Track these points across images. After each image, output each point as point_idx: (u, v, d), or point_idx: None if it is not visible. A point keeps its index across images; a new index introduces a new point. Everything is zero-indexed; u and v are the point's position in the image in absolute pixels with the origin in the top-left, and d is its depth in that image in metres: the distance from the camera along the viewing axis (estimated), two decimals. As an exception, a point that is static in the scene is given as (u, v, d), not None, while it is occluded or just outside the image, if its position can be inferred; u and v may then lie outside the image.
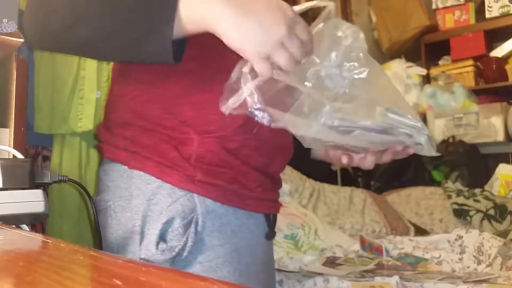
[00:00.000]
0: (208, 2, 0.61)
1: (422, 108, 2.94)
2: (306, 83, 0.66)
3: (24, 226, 0.70)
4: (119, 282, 0.28)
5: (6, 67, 0.91)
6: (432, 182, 2.58)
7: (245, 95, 0.62)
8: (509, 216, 1.99)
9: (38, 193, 0.65)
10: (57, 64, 1.67)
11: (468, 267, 1.52)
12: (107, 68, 1.60)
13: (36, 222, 1.05)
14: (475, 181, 2.51)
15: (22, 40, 0.85)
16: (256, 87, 0.62)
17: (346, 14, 3.18)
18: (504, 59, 2.98)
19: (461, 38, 3.05)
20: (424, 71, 3.07)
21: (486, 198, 2.13)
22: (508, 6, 2.89)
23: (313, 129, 0.66)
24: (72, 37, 0.64)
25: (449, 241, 1.68)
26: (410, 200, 2.26)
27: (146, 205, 0.73)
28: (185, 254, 0.72)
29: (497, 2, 2.92)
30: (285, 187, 2.00)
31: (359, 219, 2.03)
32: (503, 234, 1.70)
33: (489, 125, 2.76)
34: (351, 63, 0.67)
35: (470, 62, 3.01)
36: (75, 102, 1.68)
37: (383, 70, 0.76)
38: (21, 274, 0.33)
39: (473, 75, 3.00)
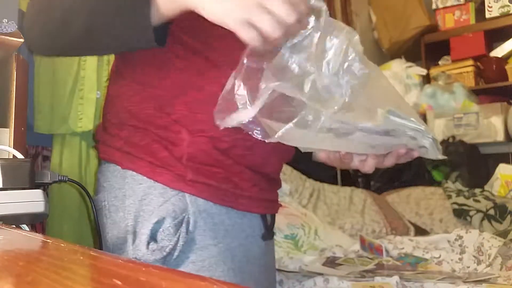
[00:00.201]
0: None
1: (422, 108, 2.94)
2: (303, 95, 0.64)
3: (24, 226, 0.70)
4: (119, 282, 0.28)
5: (6, 67, 0.91)
6: (432, 182, 2.58)
7: (247, 118, 0.61)
8: (509, 216, 1.99)
9: (38, 193, 0.65)
10: (57, 64, 1.67)
11: (468, 267, 1.52)
12: (107, 68, 1.60)
13: (36, 222, 1.05)
14: (475, 181, 2.51)
15: (22, 40, 0.85)
16: (256, 105, 0.60)
17: (346, 14, 3.18)
18: (504, 59, 2.98)
19: (461, 38, 3.05)
20: (424, 71, 3.07)
21: (486, 198, 2.13)
22: (508, 6, 2.89)
23: (309, 137, 0.64)
24: (67, 36, 0.68)
25: (449, 241, 1.68)
26: (410, 200, 2.26)
27: (138, 205, 0.74)
28: (176, 253, 0.72)
29: (497, 2, 2.92)
30: (285, 187, 2.00)
31: (359, 219, 2.03)
32: (503, 234, 1.70)
33: (489, 125, 2.76)
34: (347, 68, 0.65)
35: (470, 62, 3.01)
36: (75, 102, 1.68)
37: (381, 71, 0.74)
38: (21, 274, 0.33)
39: (473, 75, 3.00)
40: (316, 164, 0.90)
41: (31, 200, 0.64)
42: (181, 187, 0.74)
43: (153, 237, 0.72)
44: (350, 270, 1.41)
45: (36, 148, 1.79)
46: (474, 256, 1.55)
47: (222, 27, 0.60)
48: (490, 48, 3.05)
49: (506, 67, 2.91)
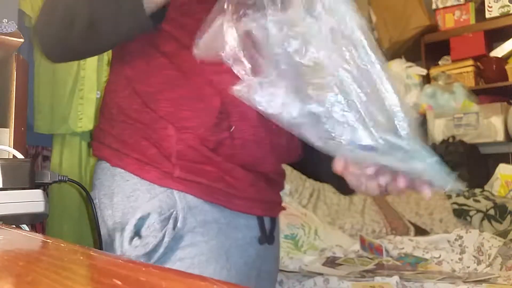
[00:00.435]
0: None
1: (422, 108, 2.94)
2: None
3: (24, 226, 0.70)
4: (119, 282, 0.28)
5: (6, 67, 0.91)
6: (432, 182, 2.58)
7: (219, 32, 0.56)
8: (509, 216, 1.99)
9: (38, 193, 0.65)
10: (57, 64, 1.67)
11: (468, 267, 1.52)
12: (107, 68, 1.60)
13: (36, 222, 1.05)
14: (475, 181, 2.51)
15: (22, 40, 0.85)
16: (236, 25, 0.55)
17: (346, 14, 3.17)
18: (504, 59, 2.98)
19: (461, 38, 3.05)
20: (424, 71, 3.07)
21: (486, 198, 2.13)
22: (508, 6, 2.88)
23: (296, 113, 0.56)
24: (74, 33, 0.69)
25: (449, 241, 1.68)
26: (410, 200, 2.26)
27: (126, 202, 0.73)
28: (161, 250, 0.70)
29: (497, 2, 2.92)
30: (285, 187, 2.00)
31: (359, 219, 2.03)
32: (503, 234, 1.70)
33: (489, 125, 2.76)
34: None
35: (470, 62, 3.01)
36: (75, 102, 1.68)
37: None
38: (21, 274, 0.33)
39: (473, 75, 2.99)
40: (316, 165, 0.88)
41: (31, 200, 0.64)
42: (169, 184, 0.73)
43: (138, 233, 0.71)
44: (350, 270, 1.41)
45: (36, 148, 1.79)
46: (474, 256, 1.55)
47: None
48: (490, 48, 3.05)
49: (506, 67, 2.91)
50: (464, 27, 3.07)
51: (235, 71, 0.58)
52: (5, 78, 0.91)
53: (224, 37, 0.58)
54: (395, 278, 1.31)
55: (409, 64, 3.08)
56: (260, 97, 0.57)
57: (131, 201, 0.73)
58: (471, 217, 2.06)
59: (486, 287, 1.25)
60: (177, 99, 0.73)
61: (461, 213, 2.10)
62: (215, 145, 0.73)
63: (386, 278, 1.32)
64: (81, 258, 0.39)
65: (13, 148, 0.81)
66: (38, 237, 0.50)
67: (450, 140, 2.76)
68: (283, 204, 0.90)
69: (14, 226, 0.64)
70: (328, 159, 0.65)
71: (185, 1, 0.73)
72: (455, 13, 3.12)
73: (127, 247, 0.70)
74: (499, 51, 3.02)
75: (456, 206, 2.13)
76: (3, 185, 0.64)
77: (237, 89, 0.58)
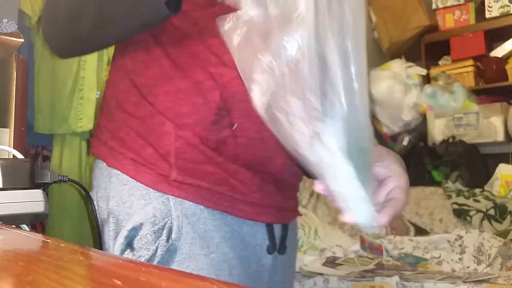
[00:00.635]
0: None
1: (422, 108, 2.94)
2: None
3: (24, 226, 0.70)
4: (119, 282, 0.28)
5: (6, 67, 0.91)
6: (432, 182, 2.58)
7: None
8: (509, 216, 1.99)
9: (38, 193, 0.65)
10: (57, 64, 1.68)
11: (468, 267, 1.52)
12: (107, 68, 1.60)
13: (36, 222, 1.05)
14: (475, 181, 2.51)
15: (22, 40, 0.85)
16: None
17: (346, 14, 3.17)
18: (504, 59, 2.98)
19: (461, 38, 3.05)
20: (424, 71, 3.07)
21: (486, 198, 2.13)
22: (508, 6, 2.88)
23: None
24: (80, 29, 0.66)
25: (449, 241, 1.68)
26: (410, 200, 2.26)
27: (121, 208, 0.68)
28: (155, 264, 0.64)
29: (497, 2, 2.92)
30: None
31: (359, 219, 2.03)
32: (503, 234, 1.70)
33: (489, 125, 2.76)
34: None
35: (470, 62, 3.01)
36: (75, 102, 1.68)
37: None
38: (21, 274, 0.33)
39: (473, 75, 3.00)
40: None
41: (31, 200, 0.64)
42: (164, 189, 0.66)
43: (130, 245, 0.65)
44: (350, 270, 1.41)
45: (36, 148, 1.79)
46: (474, 256, 1.55)
47: (214, 15, 0.52)
48: (490, 48, 3.05)
49: (506, 67, 2.91)
50: (464, 27, 3.07)
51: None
52: (5, 78, 0.91)
53: None
54: (395, 278, 1.31)
55: (409, 64, 3.08)
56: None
57: (126, 207, 0.68)
58: (471, 217, 2.06)
59: (486, 287, 1.25)
60: (175, 93, 0.67)
61: (461, 213, 2.10)
62: (216, 144, 0.67)
63: (386, 278, 1.32)
64: (81, 258, 0.39)
65: (13, 148, 0.81)
66: (38, 237, 0.50)
67: (450, 140, 2.76)
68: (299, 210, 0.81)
69: (14, 226, 0.64)
70: None
71: None
72: (455, 13, 3.12)
73: None
74: (499, 51, 3.02)
75: (456, 206, 2.13)
76: (3, 185, 0.64)
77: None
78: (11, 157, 0.78)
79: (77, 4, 0.65)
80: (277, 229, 0.75)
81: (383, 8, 3.26)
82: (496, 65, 2.93)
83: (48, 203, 0.66)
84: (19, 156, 0.74)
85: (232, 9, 0.50)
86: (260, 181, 0.70)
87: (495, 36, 3.02)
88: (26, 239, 0.51)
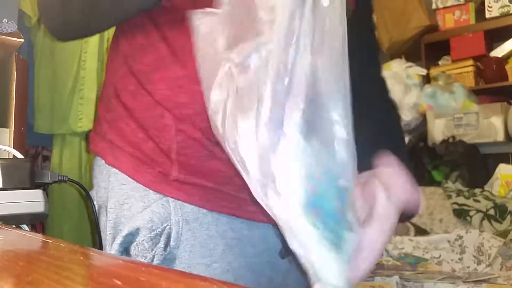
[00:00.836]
0: None
1: (422, 108, 2.94)
2: None
3: (24, 226, 0.70)
4: (119, 282, 0.28)
5: (6, 67, 0.91)
6: (432, 182, 2.58)
7: None
8: (509, 216, 1.99)
9: (38, 193, 0.65)
10: (57, 64, 1.67)
11: (468, 267, 1.52)
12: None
13: (36, 222, 1.05)
14: (475, 181, 2.51)
15: (22, 40, 0.85)
16: None
17: (346, 14, 3.18)
18: (504, 59, 2.98)
19: (461, 38, 3.05)
20: (424, 71, 3.07)
21: (486, 198, 2.13)
22: (508, 6, 2.88)
23: None
24: (72, 10, 0.63)
25: (449, 241, 1.68)
26: (410, 200, 2.26)
27: (119, 210, 0.64)
28: None
29: (497, 2, 2.92)
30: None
31: (359, 219, 2.03)
32: (503, 234, 1.70)
33: (489, 125, 2.76)
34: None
35: (470, 62, 3.01)
36: (75, 102, 1.68)
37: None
38: (21, 274, 0.33)
39: (473, 75, 3.00)
40: None
41: (31, 200, 0.64)
42: (164, 190, 0.62)
43: (126, 251, 0.61)
44: (350, 270, 1.41)
45: (36, 148, 1.80)
46: (474, 256, 1.55)
47: None
48: (490, 48, 3.05)
49: (506, 67, 2.91)
50: (464, 27, 3.07)
51: None
52: (5, 78, 0.91)
53: None
54: (395, 278, 1.31)
55: (409, 64, 3.08)
56: None
57: (124, 209, 0.64)
58: (471, 217, 2.06)
59: (486, 287, 1.25)
60: (174, 80, 0.62)
61: (461, 213, 2.10)
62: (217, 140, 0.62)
63: (386, 278, 1.32)
64: (81, 258, 0.39)
65: (13, 148, 0.81)
66: (38, 237, 0.50)
67: (450, 140, 2.76)
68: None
69: (14, 226, 0.64)
70: None
71: None
72: (455, 13, 3.12)
73: None
74: (499, 51, 3.02)
75: (456, 206, 2.13)
76: (3, 185, 0.64)
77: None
78: (11, 157, 0.78)
79: None
80: None
81: (383, 8, 3.26)
82: (496, 65, 2.93)
83: (48, 203, 0.66)
84: (19, 156, 0.74)
85: None
86: None
87: (495, 36, 3.02)
88: (26, 239, 0.51)
